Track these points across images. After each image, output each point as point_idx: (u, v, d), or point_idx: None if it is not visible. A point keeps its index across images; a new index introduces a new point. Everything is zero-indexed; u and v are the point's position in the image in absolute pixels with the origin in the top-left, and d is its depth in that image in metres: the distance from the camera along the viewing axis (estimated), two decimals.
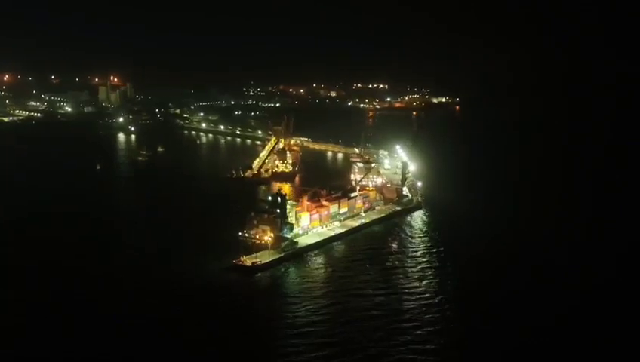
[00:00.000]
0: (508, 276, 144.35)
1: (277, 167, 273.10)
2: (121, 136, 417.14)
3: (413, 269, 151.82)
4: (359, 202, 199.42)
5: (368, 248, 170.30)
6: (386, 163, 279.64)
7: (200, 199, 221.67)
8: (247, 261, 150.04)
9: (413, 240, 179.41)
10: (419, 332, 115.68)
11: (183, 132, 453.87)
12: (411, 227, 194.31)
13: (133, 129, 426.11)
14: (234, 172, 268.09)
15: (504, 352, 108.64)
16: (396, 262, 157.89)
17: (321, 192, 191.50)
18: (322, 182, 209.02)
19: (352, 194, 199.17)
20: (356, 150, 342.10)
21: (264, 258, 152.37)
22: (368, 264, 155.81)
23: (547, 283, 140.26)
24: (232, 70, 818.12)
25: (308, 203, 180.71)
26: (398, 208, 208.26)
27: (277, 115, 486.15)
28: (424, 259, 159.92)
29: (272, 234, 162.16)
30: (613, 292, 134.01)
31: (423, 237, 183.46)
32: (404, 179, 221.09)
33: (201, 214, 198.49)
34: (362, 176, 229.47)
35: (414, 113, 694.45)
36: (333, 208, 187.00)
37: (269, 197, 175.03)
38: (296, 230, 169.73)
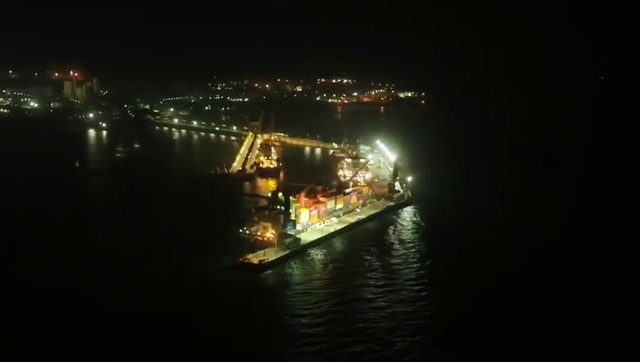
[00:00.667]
0: (504, 273, 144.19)
1: (262, 162, 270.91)
2: (92, 132, 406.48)
3: (415, 267, 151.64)
4: (354, 198, 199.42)
5: (368, 244, 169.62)
6: (370, 158, 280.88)
7: (188, 196, 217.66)
8: (254, 259, 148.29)
9: (409, 236, 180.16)
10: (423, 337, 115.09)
11: (154, 128, 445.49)
12: (407, 222, 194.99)
13: (104, 125, 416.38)
14: (218, 168, 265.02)
15: (499, 352, 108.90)
16: (396, 260, 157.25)
17: (317, 188, 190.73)
18: (307, 178, 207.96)
19: (347, 190, 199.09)
20: (335, 145, 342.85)
21: (270, 255, 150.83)
22: (370, 261, 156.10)
23: (540, 280, 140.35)
24: (197, 67, 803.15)
25: (305, 199, 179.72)
26: (392, 203, 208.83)
27: (247, 110, 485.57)
28: (421, 255, 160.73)
29: (273, 231, 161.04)
30: (607, 290, 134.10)
31: (418, 232, 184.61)
32: (395, 175, 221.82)
33: (193, 211, 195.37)
34: (355, 171, 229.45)
35: (382, 108, 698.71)
36: (330, 204, 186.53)
37: (269, 194, 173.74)
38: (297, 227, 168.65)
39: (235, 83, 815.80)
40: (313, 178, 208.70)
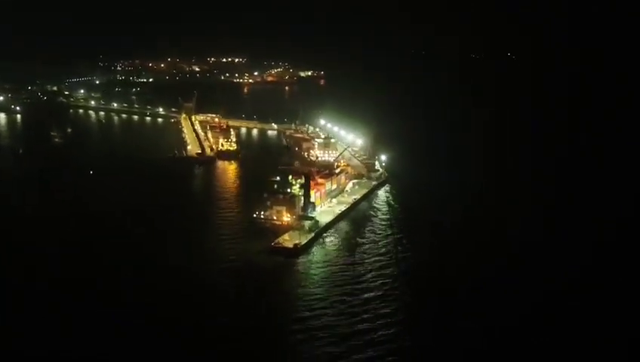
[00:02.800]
0: (494, 271, 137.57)
1: (222, 145, 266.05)
2: (3, 116, 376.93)
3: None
4: (343, 178, 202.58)
5: (376, 225, 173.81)
6: (322, 137, 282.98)
7: (163, 183, 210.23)
8: (287, 243, 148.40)
9: (405, 213, 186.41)
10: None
11: (70, 111, 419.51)
12: (394, 201, 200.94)
13: (17, 108, 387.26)
14: (176, 151, 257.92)
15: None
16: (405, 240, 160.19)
17: (312, 170, 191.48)
18: (267, 159, 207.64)
19: (337, 171, 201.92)
20: (274, 125, 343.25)
21: (299, 239, 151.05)
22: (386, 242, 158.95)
23: (535, 278, 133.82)
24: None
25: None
26: (375, 183, 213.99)
27: (157, 91, 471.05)
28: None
29: (288, 215, 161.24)
30: (592, 281, 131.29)
31: (411, 208, 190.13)
32: (374, 154, 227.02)
33: (183, 199, 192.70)
34: (339, 152, 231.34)
35: (287, 87, 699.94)
36: (328, 185, 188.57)
37: (277, 177, 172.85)
38: None
39: (125, 62, 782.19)
40: (273, 159, 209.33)
